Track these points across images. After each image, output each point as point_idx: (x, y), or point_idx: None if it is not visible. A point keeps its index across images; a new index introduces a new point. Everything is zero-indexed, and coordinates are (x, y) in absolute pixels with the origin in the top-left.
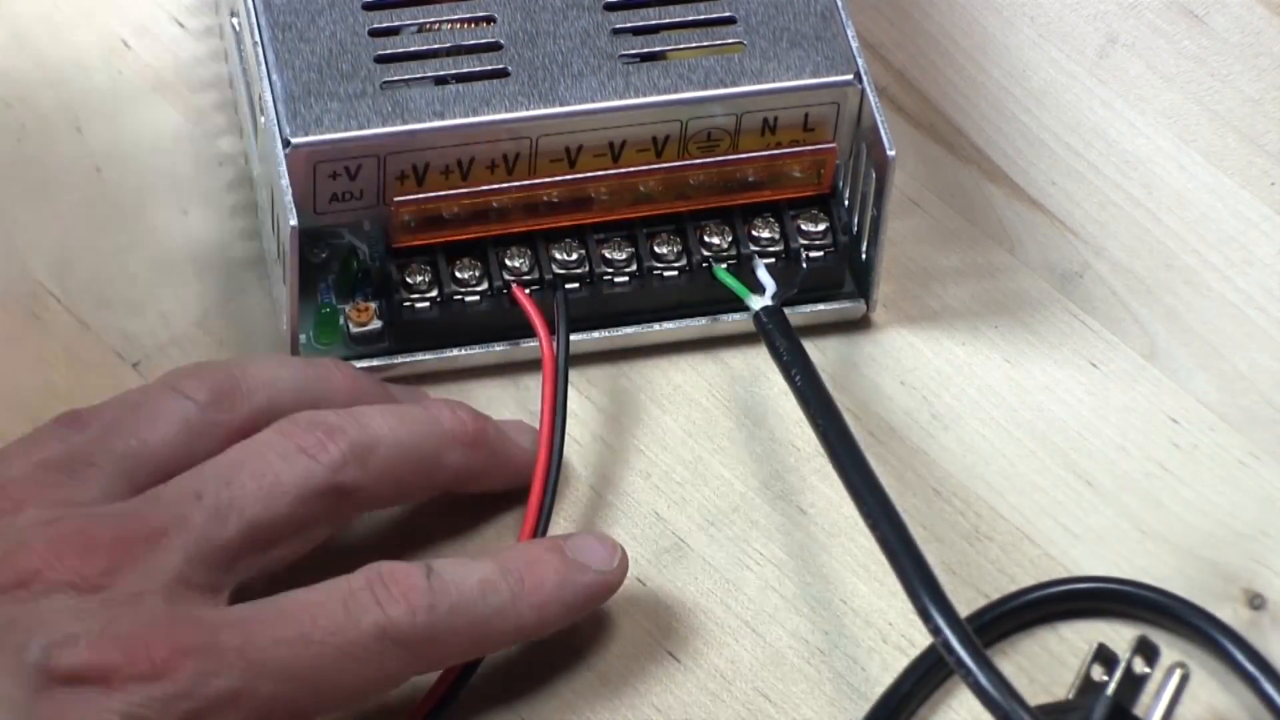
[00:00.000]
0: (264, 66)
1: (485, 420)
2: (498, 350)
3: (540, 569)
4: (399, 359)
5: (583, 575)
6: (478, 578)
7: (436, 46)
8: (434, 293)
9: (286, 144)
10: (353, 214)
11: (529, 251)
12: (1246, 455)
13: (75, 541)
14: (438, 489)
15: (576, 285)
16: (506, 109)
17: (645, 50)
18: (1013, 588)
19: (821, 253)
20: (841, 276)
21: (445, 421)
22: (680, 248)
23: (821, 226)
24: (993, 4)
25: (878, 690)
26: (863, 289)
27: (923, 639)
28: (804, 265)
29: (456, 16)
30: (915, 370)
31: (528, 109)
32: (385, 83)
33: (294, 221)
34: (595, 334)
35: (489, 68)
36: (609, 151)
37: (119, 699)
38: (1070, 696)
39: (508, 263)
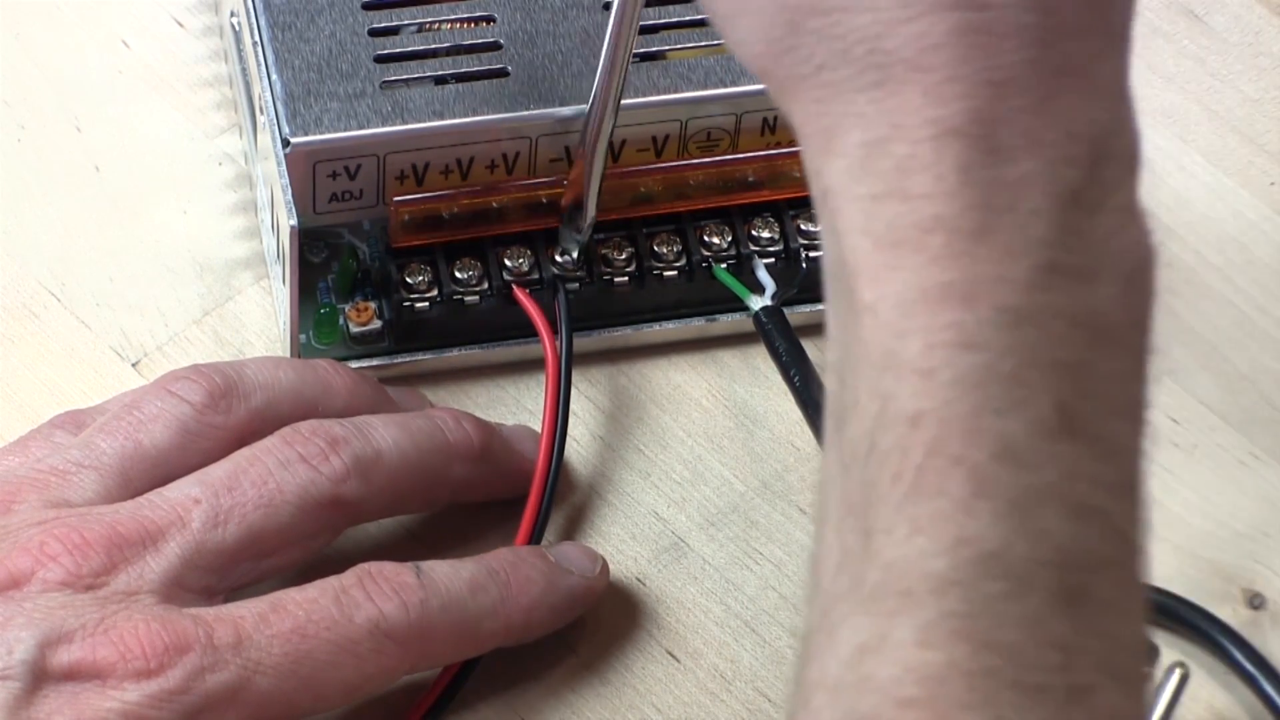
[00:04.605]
0: (264, 66)
1: (490, 432)
2: (498, 350)
3: (526, 570)
4: (399, 359)
5: (567, 579)
6: (466, 577)
7: (436, 46)
8: (434, 293)
9: (286, 144)
10: (352, 214)
11: (529, 251)
12: (1246, 455)
13: (70, 540)
14: (440, 502)
15: (576, 285)
16: (506, 109)
17: (645, 50)
18: None
19: (821, 253)
20: None
21: (450, 434)
22: (680, 248)
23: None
24: None
25: None
26: None
27: None
28: (804, 265)
29: (456, 16)
30: None
31: (527, 109)
32: (385, 82)
33: (294, 221)
34: (595, 334)
35: (488, 67)
36: (609, 151)
37: (115, 696)
38: None
39: (508, 263)
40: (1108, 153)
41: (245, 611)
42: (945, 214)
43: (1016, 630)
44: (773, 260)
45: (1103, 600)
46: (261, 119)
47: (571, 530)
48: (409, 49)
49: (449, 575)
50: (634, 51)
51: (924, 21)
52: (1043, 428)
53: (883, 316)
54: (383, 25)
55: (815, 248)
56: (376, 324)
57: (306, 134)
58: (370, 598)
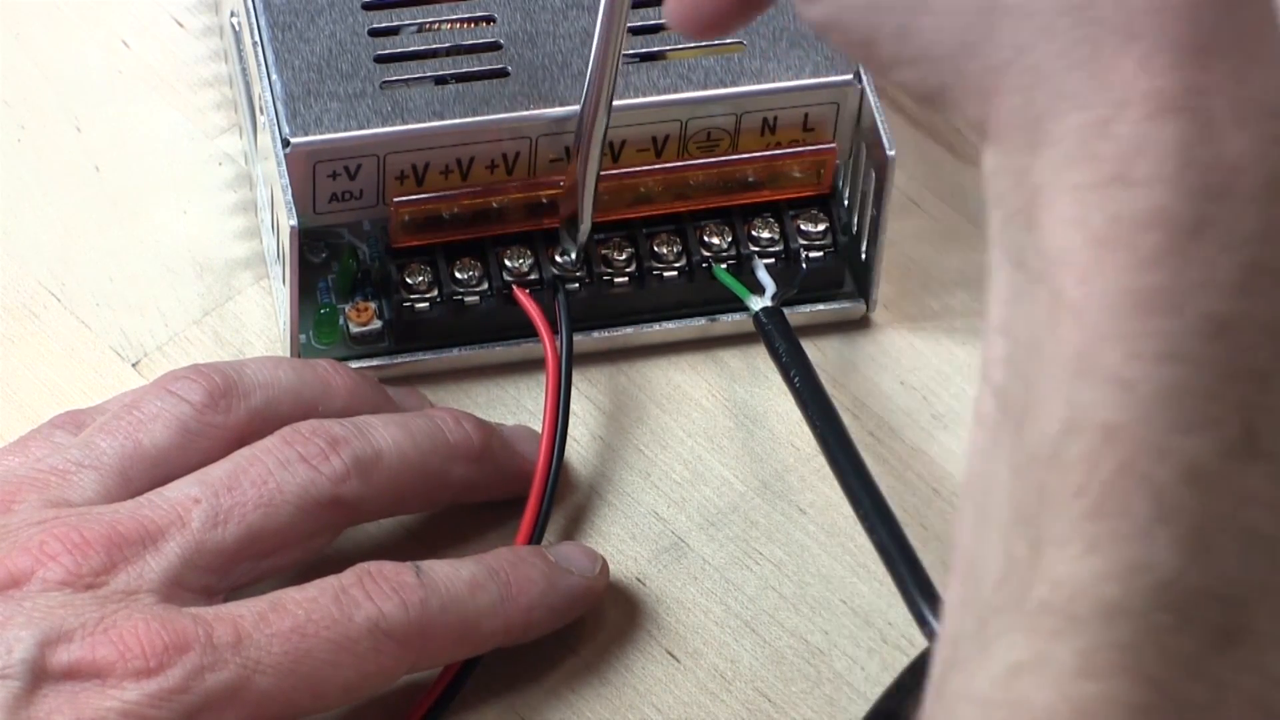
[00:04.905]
0: (264, 66)
1: (490, 432)
2: (498, 350)
3: (526, 570)
4: (399, 359)
5: (567, 579)
6: (466, 577)
7: (436, 46)
8: (434, 293)
9: (286, 144)
10: (352, 214)
11: (529, 251)
12: None
13: (69, 540)
14: (440, 503)
15: (576, 285)
16: (506, 109)
17: (645, 50)
18: None
19: (821, 253)
20: (841, 276)
21: (450, 435)
22: (680, 248)
23: (821, 226)
24: None
25: (877, 690)
26: (863, 289)
27: (922, 639)
28: (804, 265)
29: (456, 16)
30: (915, 370)
31: (528, 109)
32: (385, 82)
33: (294, 221)
34: (595, 334)
35: (489, 68)
36: (609, 151)
37: (115, 695)
38: None
39: (508, 263)
40: None
41: (245, 611)
42: (1165, 204)
43: (1176, 665)
44: (773, 261)
45: (1261, 633)
46: (261, 119)
47: (571, 530)
48: (409, 49)
49: (449, 575)
50: (635, 51)
51: None
52: (1230, 448)
53: (1086, 317)
54: (383, 25)
55: (815, 248)
56: (376, 324)
57: (306, 134)
58: (370, 597)
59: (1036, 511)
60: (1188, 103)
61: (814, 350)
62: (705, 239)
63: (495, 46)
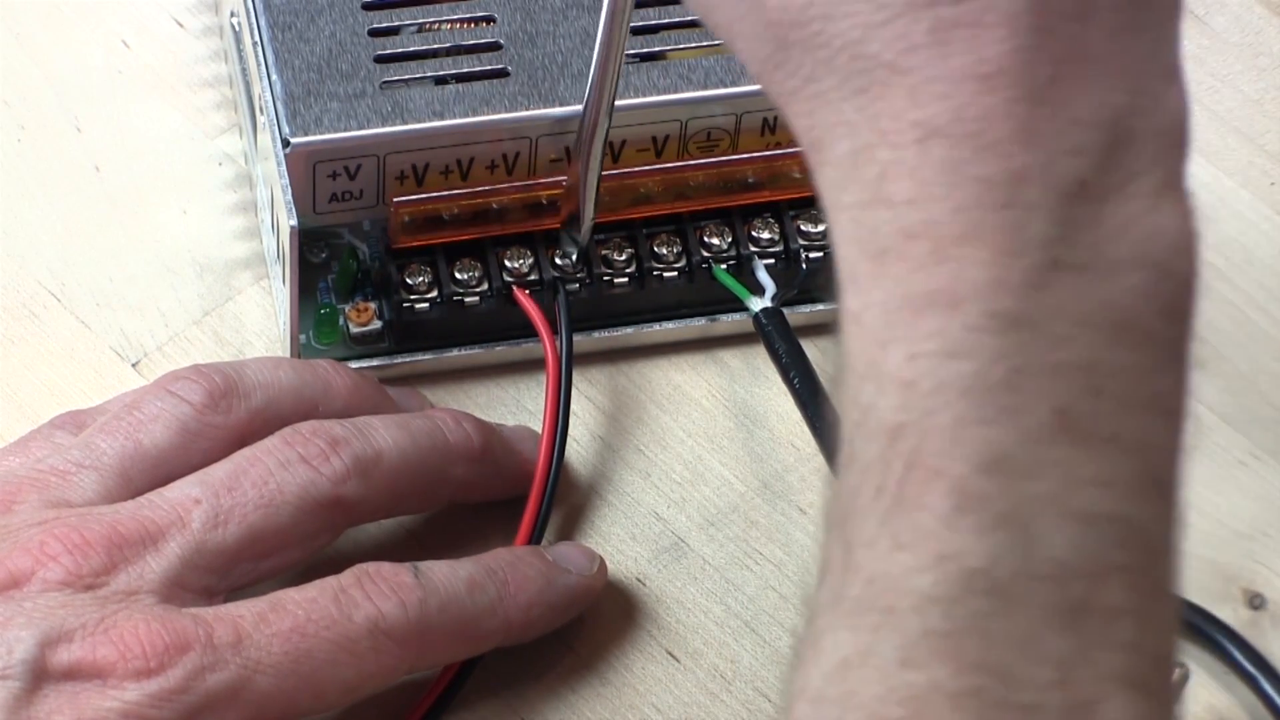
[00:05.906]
0: (264, 66)
1: (490, 432)
2: (498, 350)
3: (524, 569)
4: (399, 359)
5: (565, 578)
6: (464, 576)
7: (436, 46)
8: (434, 293)
9: (286, 144)
10: (352, 214)
11: (529, 252)
12: (1246, 455)
13: (70, 540)
14: (440, 503)
15: (576, 285)
16: (506, 109)
17: (645, 50)
18: None
19: (821, 253)
20: None
21: (450, 435)
22: (680, 248)
23: (821, 227)
24: None
25: None
26: None
27: None
28: (804, 265)
29: (456, 16)
30: None
31: (528, 109)
32: (385, 83)
33: (294, 221)
34: (595, 334)
35: (489, 68)
36: (609, 151)
37: (115, 696)
38: None
39: (508, 263)
40: (1129, 135)
41: (245, 611)
42: (931, 219)
43: (1006, 648)
44: (773, 261)
45: (1112, 609)
46: (261, 119)
47: (571, 530)
48: (409, 49)
49: (447, 575)
50: (635, 52)
51: (901, 22)
52: (1039, 434)
53: (866, 326)
54: (383, 25)
55: (815, 249)
56: (376, 324)
57: (306, 134)
58: (369, 597)
59: (844, 516)
60: (957, 128)
61: (814, 350)
62: (705, 239)
63: (495, 46)
